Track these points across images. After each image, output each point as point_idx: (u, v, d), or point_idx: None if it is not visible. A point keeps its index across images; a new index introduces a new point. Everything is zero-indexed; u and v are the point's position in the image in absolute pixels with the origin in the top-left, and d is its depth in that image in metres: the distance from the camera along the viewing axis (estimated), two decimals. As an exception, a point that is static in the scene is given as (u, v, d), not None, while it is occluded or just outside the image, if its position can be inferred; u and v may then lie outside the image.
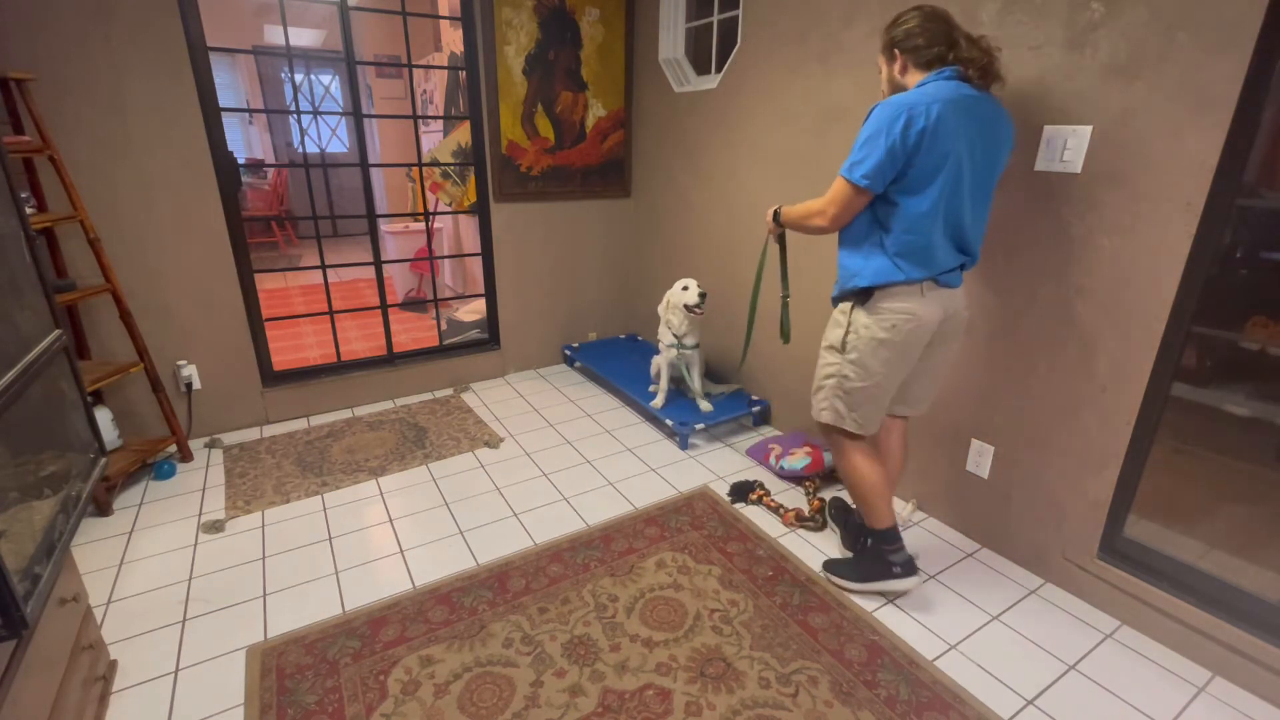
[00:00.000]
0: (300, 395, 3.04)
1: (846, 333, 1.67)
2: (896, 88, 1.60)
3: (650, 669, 1.61)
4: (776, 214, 1.82)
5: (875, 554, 1.85)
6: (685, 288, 2.80)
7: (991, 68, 1.53)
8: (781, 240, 1.96)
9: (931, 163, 1.46)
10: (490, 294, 3.50)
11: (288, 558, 2.04)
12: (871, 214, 1.59)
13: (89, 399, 1.54)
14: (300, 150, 7.58)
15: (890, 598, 1.87)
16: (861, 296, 1.63)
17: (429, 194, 4.20)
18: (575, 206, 3.58)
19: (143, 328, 2.47)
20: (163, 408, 2.54)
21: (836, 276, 1.71)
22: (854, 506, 2.11)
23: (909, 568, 1.82)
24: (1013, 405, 1.96)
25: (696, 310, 2.76)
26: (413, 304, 4.92)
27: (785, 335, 2.05)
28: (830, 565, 1.97)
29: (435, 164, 4.23)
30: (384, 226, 5.13)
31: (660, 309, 2.92)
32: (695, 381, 2.93)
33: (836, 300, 1.72)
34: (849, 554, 2.02)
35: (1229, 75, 1.41)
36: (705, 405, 2.91)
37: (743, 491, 2.38)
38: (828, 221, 1.60)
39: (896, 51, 1.58)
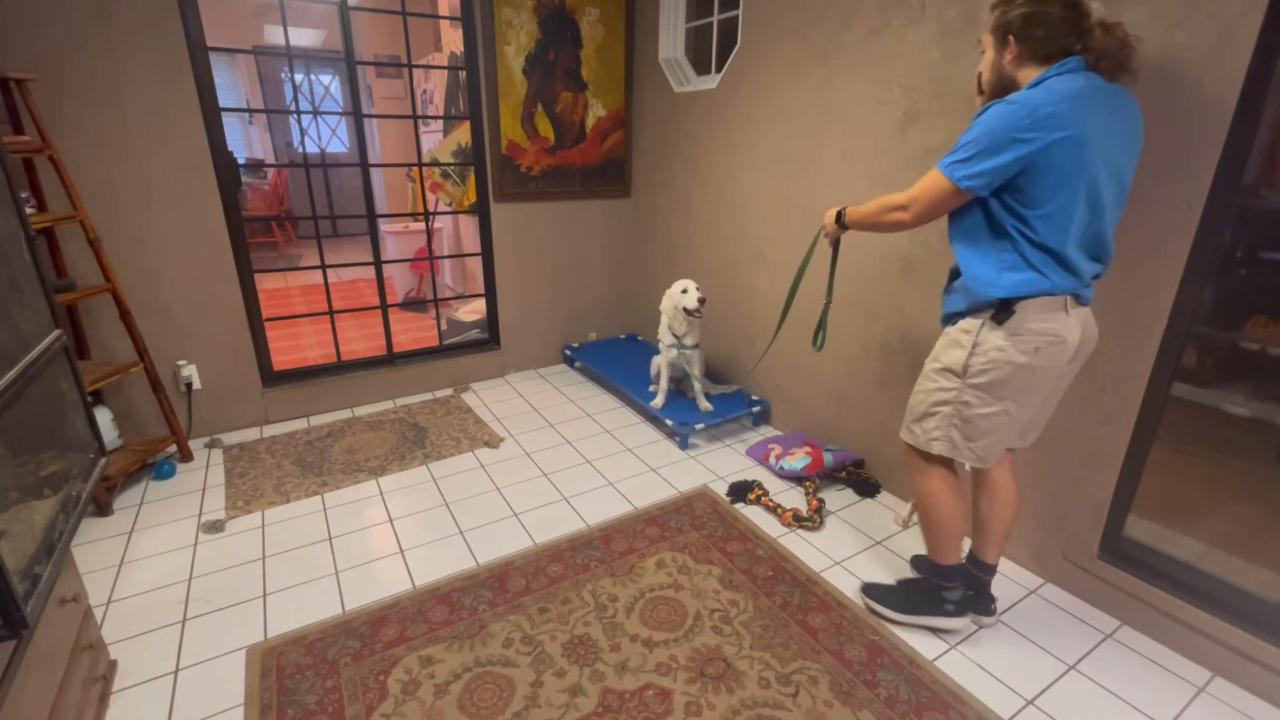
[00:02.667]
0: (300, 395, 3.04)
1: (971, 354, 1.43)
2: (1004, 78, 1.40)
3: (650, 669, 1.61)
4: (841, 215, 1.68)
5: (929, 588, 1.72)
6: (685, 290, 2.75)
7: (1127, 60, 1.34)
8: (837, 244, 1.83)
9: (1067, 167, 1.27)
10: (490, 294, 3.50)
11: (288, 558, 2.04)
12: (1000, 204, 1.36)
13: (89, 399, 1.54)
14: (300, 150, 7.58)
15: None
16: (998, 312, 1.39)
17: (429, 194, 4.20)
18: (575, 206, 3.58)
19: (143, 328, 2.47)
20: (163, 408, 2.54)
21: (951, 286, 1.51)
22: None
23: (962, 607, 1.70)
24: (1013, 405, 1.96)
25: (696, 314, 2.74)
26: (413, 304, 4.92)
27: (819, 343, 1.95)
28: (871, 591, 1.83)
29: (435, 164, 4.23)
30: (384, 226, 5.13)
31: (663, 307, 2.90)
32: (696, 381, 2.91)
33: (956, 316, 1.48)
34: (891, 582, 1.87)
35: (1229, 75, 1.41)
36: (705, 405, 2.90)
37: (741, 491, 2.38)
38: (911, 217, 1.44)
39: (1011, 38, 1.35)
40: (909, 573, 1.99)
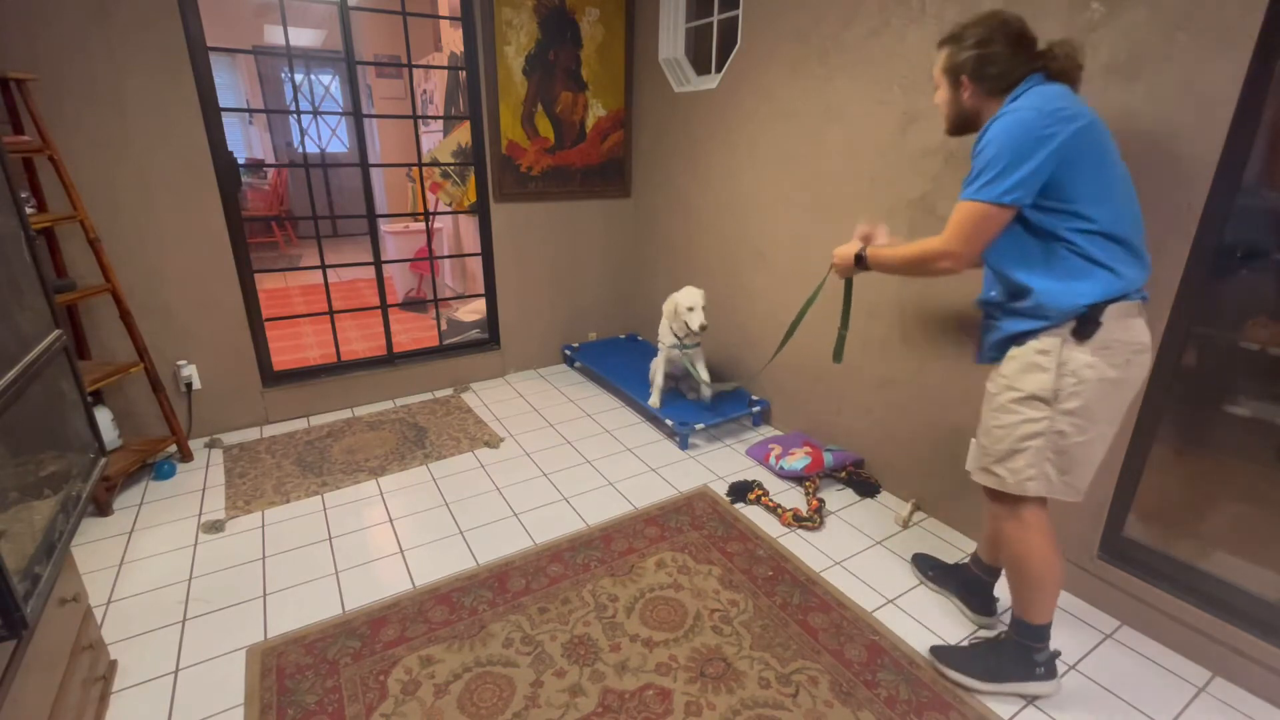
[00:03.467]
0: (300, 395, 3.04)
1: (1059, 376, 1.29)
2: (965, 113, 1.40)
3: (650, 669, 1.61)
4: (861, 258, 1.54)
5: (1018, 650, 1.52)
6: (691, 308, 2.72)
7: (1078, 77, 1.33)
8: (850, 280, 1.73)
9: (1098, 149, 1.24)
10: (490, 294, 3.50)
11: (288, 558, 2.04)
12: (1041, 211, 1.27)
13: (89, 399, 1.54)
14: (300, 150, 7.58)
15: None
16: (1081, 325, 1.27)
17: (429, 194, 4.20)
18: (575, 206, 3.58)
19: (143, 328, 2.47)
20: (163, 408, 2.54)
21: (999, 313, 1.40)
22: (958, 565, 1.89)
23: (1052, 667, 1.52)
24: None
25: (692, 338, 2.80)
26: (413, 304, 4.92)
27: (839, 356, 1.83)
28: (944, 655, 1.60)
29: (435, 164, 4.23)
30: (384, 226, 5.13)
31: (665, 309, 2.89)
32: (700, 371, 2.90)
33: (1022, 336, 1.34)
34: (963, 643, 1.66)
35: (1229, 75, 1.41)
36: (707, 391, 2.92)
37: (741, 491, 2.38)
38: (960, 261, 1.30)
39: (965, 79, 1.35)
40: (911, 575, 1.98)
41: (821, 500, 2.32)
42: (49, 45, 2.19)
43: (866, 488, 2.44)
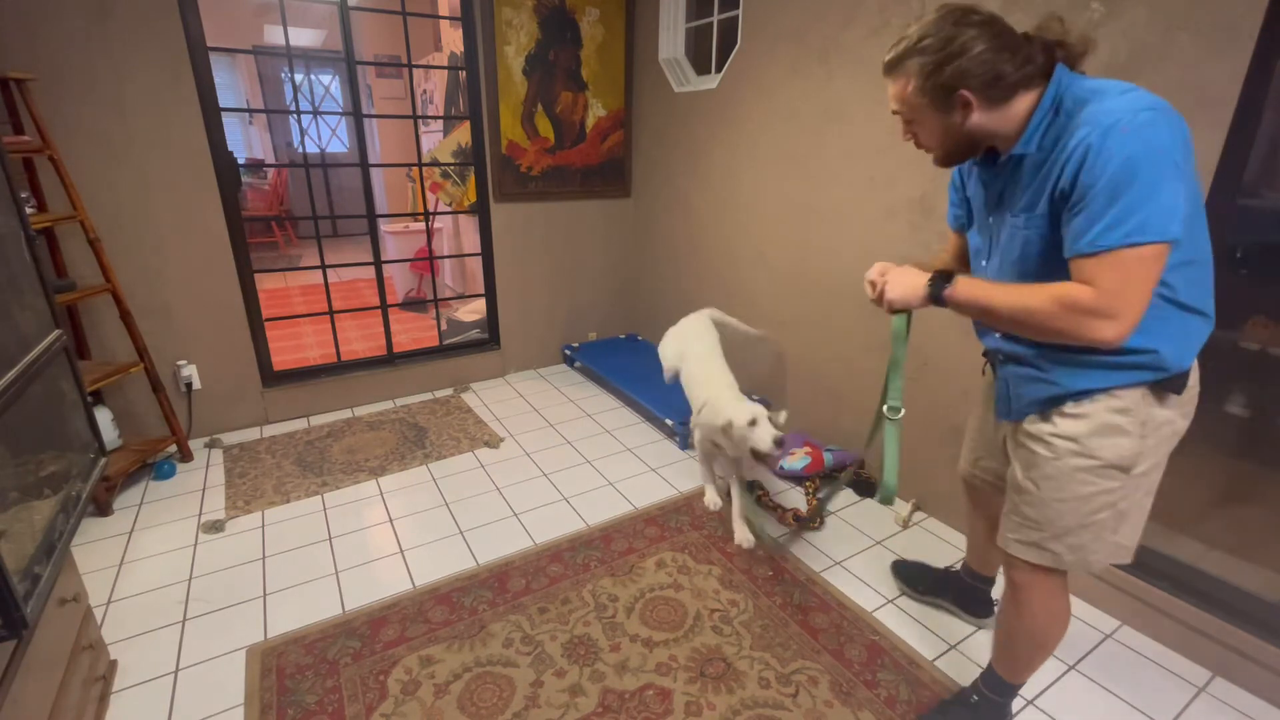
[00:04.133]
0: (300, 395, 3.04)
1: (1143, 439, 1.09)
2: (966, 136, 1.08)
3: (650, 669, 1.61)
4: (939, 286, 1.12)
5: (994, 709, 1.43)
6: (754, 421, 1.91)
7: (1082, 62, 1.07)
8: (907, 324, 1.29)
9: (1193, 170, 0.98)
10: (490, 294, 3.50)
11: (288, 558, 2.04)
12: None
13: (89, 399, 1.54)
14: (300, 150, 7.57)
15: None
16: (1173, 380, 1.06)
17: (429, 194, 4.20)
18: (575, 206, 3.58)
19: (143, 328, 2.47)
20: (163, 408, 2.54)
21: (1060, 354, 1.09)
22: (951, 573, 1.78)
23: (1011, 710, 1.47)
24: (1013, 405, 1.96)
25: (764, 459, 1.97)
26: (413, 304, 4.92)
27: (890, 492, 1.37)
28: None
29: (435, 164, 4.22)
30: (384, 226, 5.13)
31: (700, 420, 2.14)
32: (736, 500, 2.15)
33: (1089, 392, 1.08)
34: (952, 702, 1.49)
35: (1229, 75, 1.41)
36: (743, 535, 2.08)
37: (743, 492, 2.36)
38: (1126, 329, 0.95)
39: (965, 95, 1.02)
40: (891, 580, 1.94)
41: (821, 500, 2.32)
42: (49, 45, 2.19)
43: (866, 488, 2.44)
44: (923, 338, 2.10)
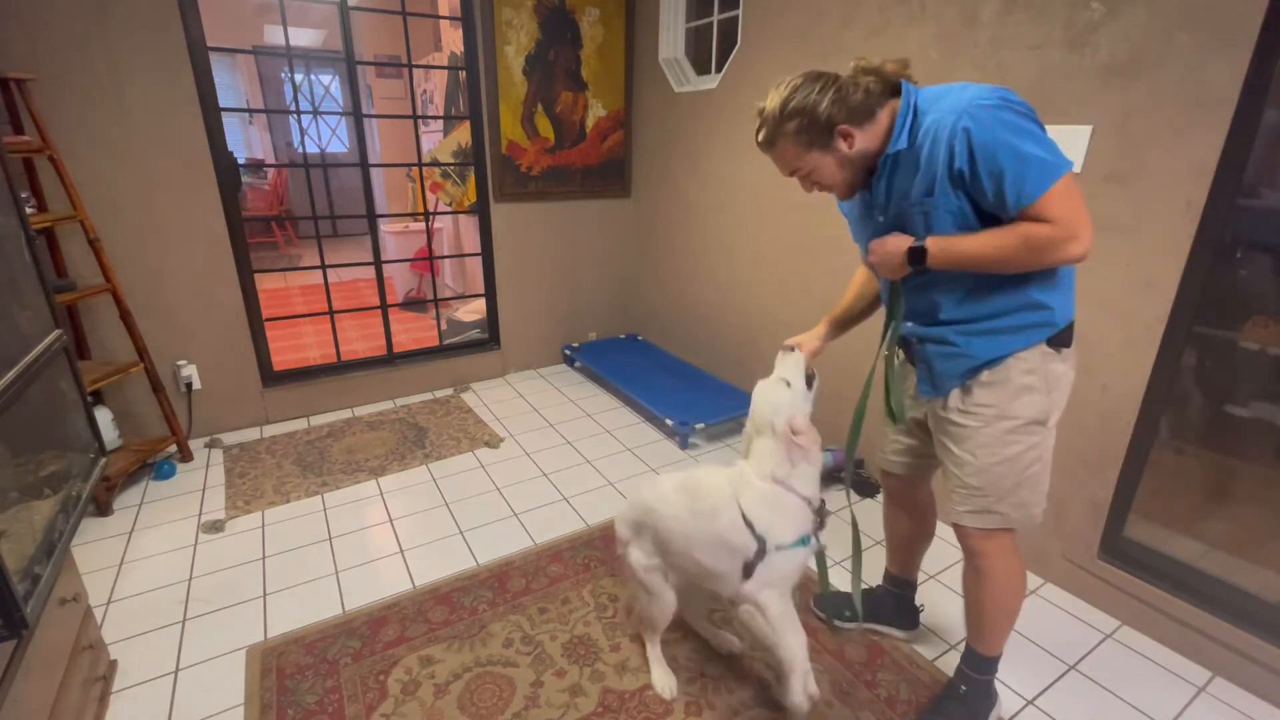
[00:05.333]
0: (300, 395, 3.04)
1: (1050, 394, 1.22)
2: (861, 160, 1.22)
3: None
4: (920, 251, 1.19)
5: (981, 689, 1.45)
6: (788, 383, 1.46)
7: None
8: (898, 289, 1.34)
9: None
10: (490, 294, 3.50)
11: (288, 558, 2.04)
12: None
13: (89, 399, 1.54)
14: (300, 150, 7.57)
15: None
16: (1061, 334, 1.21)
17: (429, 194, 4.20)
18: (575, 206, 3.58)
19: (143, 328, 2.47)
20: (163, 408, 2.54)
21: (974, 326, 1.22)
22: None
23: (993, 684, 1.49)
24: (1013, 405, 1.96)
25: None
26: (413, 304, 4.92)
27: (899, 414, 1.46)
28: None
29: (435, 164, 4.23)
30: (384, 226, 5.13)
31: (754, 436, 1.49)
32: (780, 657, 1.38)
33: (1000, 358, 1.21)
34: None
35: (1229, 75, 1.41)
36: (801, 701, 1.40)
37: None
38: (1089, 241, 1.08)
39: (842, 129, 1.18)
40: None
41: (822, 500, 2.31)
42: (49, 45, 2.19)
43: (866, 488, 2.43)
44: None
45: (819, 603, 1.78)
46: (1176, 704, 1.54)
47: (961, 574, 1.42)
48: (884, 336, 1.41)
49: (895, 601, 1.72)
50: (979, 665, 1.44)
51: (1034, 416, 1.23)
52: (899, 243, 1.23)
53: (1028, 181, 1.07)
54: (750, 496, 1.36)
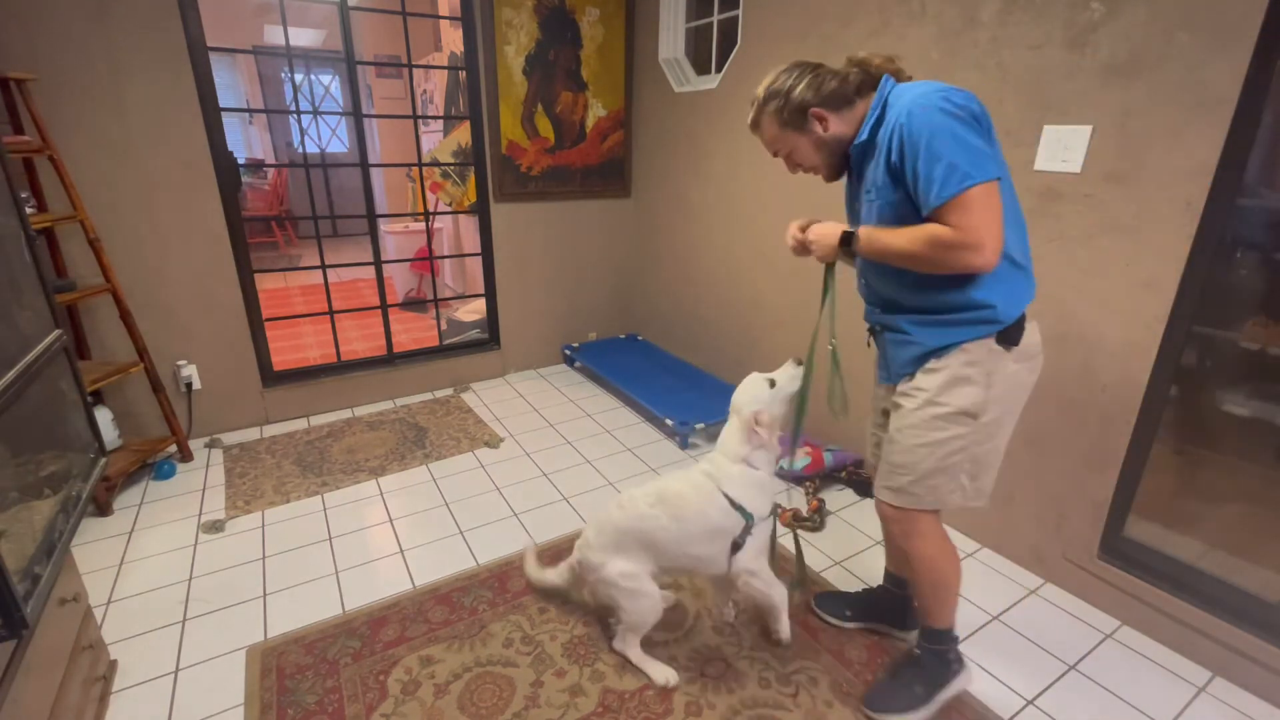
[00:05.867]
0: (300, 395, 3.04)
1: (989, 389, 1.24)
2: (835, 144, 1.29)
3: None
4: (851, 236, 1.29)
5: (935, 659, 1.49)
6: (773, 384, 1.57)
7: (905, 77, 1.28)
8: (832, 270, 1.47)
9: (994, 139, 1.18)
10: (490, 294, 3.50)
11: (288, 558, 2.04)
12: None
13: (89, 399, 1.54)
14: (300, 150, 7.57)
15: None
16: (1010, 331, 1.23)
17: (429, 194, 4.20)
18: (575, 206, 3.58)
19: (143, 328, 2.47)
20: (163, 408, 2.54)
21: (924, 317, 1.28)
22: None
23: (960, 656, 1.52)
24: (1013, 405, 1.96)
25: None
26: (413, 304, 4.92)
27: (841, 404, 1.52)
28: (879, 703, 1.49)
29: (435, 164, 4.23)
30: (384, 226, 5.13)
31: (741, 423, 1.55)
32: (774, 604, 1.61)
33: (947, 348, 1.25)
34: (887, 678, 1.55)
35: (1229, 75, 1.41)
36: (785, 633, 1.66)
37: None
38: (992, 254, 1.12)
39: (816, 111, 1.26)
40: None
41: (822, 500, 2.32)
42: (49, 45, 2.19)
43: (866, 488, 2.43)
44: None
45: (819, 602, 1.80)
46: (1176, 704, 1.54)
47: None
48: (819, 316, 1.51)
49: (893, 600, 1.73)
50: (929, 636, 1.51)
51: (964, 407, 1.26)
52: (834, 228, 1.34)
53: (938, 184, 1.11)
54: (731, 482, 1.51)
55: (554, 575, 1.75)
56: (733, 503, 1.49)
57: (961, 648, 1.70)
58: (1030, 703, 1.54)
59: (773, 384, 1.54)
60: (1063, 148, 1.71)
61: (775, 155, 1.41)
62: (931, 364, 1.28)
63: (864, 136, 1.25)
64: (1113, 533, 1.80)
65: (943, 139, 1.10)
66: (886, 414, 1.46)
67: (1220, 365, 1.65)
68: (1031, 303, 1.27)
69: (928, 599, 1.46)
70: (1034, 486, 1.94)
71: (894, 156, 1.17)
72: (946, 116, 1.11)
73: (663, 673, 1.57)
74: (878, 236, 1.25)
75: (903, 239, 1.20)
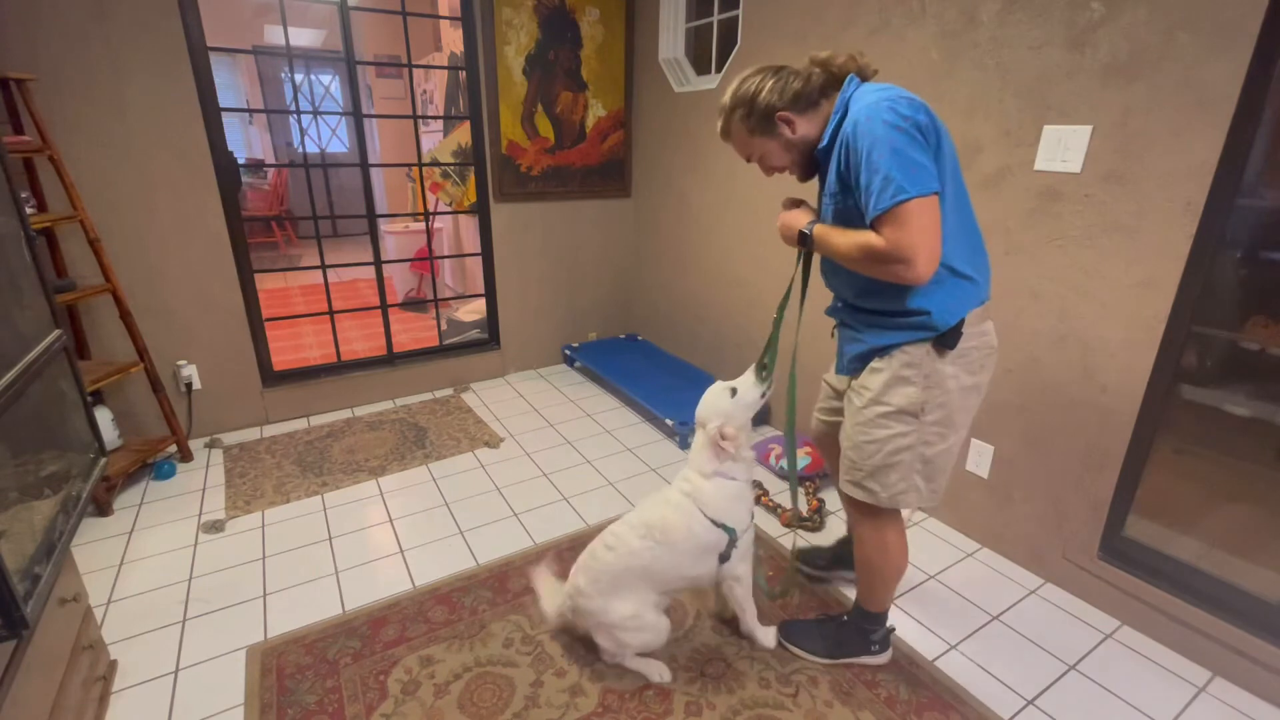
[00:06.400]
0: (300, 395, 3.04)
1: (926, 390, 1.29)
2: (803, 145, 1.32)
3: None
4: (806, 235, 1.34)
5: (858, 631, 1.61)
6: (734, 391, 1.54)
7: (871, 74, 1.31)
8: (806, 259, 1.47)
9: (946, 145, 1.21)
10: (490, 294, 3.50)
11: (288, 558, 2.04)
12: None
13: (89, 399, 1.54)
14: (300, 150, 7.57)
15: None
16: (945, 337, 1.26)
17: (429, 194, 4.20)
18: (575, 206, 3.58)
19: (143, 328, 2.47)
20: (163, 408, 2.54)
21: (869, 318, 1.34)
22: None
23: (886, 642, 1.62)
24: (1012, 405, 1.96)
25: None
26: (413, 304, 4.92)
27: (767, 374, 1.54)
28: (791, 632, 1.66)
29: (435, 164, 4.23)
30: (384, 226, 5.13)
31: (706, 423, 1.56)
32: (745, 610, 1.67)
33: (888, 348, 1.31)
34: (810, 619, 1.71)
35: (1229, 75, 1.41)
36: (765, 639, 1.70)
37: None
38: (924, 268, 1.15)
39: (782, 115, 1.28)
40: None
41: (822, 500, 2.32)
42: (49, 45, 2.19)
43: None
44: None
45: (803, 557, 1.95)
46: (1176, 704, 1.54)
47: None
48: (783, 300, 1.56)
49: (841, 548, 1.89)
50: (860, 613, 1.60)
51: (903, 406, 1.31)
52: (799, 218, 1.38)
53: (874, 195, 1.15)
54: (708, 501, 1.51)
55: (557, 614, 1.67)
56: (714, 521, 1.50)
57: (962, 646, 1.71)
58: (1030, 703, 1.54)
59: (734, 393, 1.53)
60: (1063, 148, 1.71)
61: (749, 161, 1.41)
62: (875, 363, 1.35)
63: (825, 142, 1.28)
64: (1113, 532, 1.80)
65: (881, 151, 1.13)
66: (839, 397, 1.55)
67: (1220, 365, 1.65)
68: (986, 304, 1.31)
69: (862, 581, 1.57)
70: (1034, 486, 1.95)
71: (842, 165, 1.22)
72: (889, 129, 1.12)
73: (657, 670, 1.58)
74: (827, 235, 1.31)
75: (844, 242, 1.25)
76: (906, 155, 1.12)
